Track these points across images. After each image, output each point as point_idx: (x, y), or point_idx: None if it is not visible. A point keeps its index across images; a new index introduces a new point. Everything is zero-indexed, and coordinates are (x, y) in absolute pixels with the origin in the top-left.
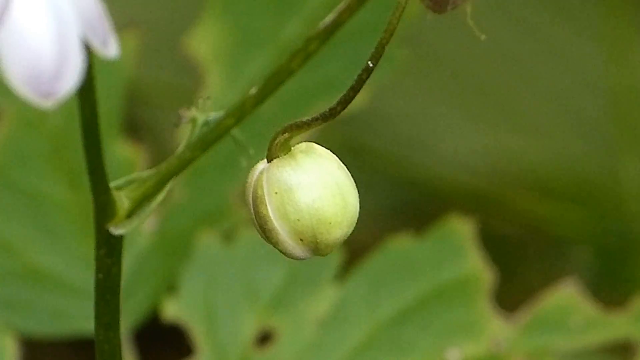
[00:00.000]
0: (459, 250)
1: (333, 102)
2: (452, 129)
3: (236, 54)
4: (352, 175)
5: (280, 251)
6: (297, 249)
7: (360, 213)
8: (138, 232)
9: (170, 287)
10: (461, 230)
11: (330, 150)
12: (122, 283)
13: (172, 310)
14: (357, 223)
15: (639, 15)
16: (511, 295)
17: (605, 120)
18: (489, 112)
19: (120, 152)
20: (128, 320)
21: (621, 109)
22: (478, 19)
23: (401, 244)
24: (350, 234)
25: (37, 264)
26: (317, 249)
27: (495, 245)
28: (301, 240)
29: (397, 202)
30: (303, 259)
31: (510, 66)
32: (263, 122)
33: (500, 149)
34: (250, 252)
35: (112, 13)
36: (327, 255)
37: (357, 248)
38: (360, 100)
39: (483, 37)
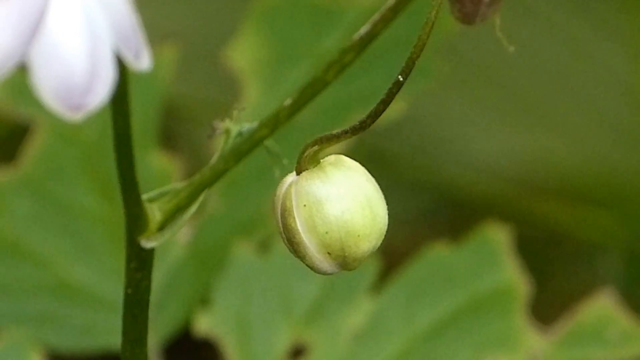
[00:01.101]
0: (496, 260)
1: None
2: (481, 132)
3: (274, 67)
4: (381, 182)
5: (308, 265)
6: (324, 263)
7: (391, 220)
8: (172, 243)
9: (204, 300)
10: (497, 239)
11: (360, 158)
12: (154, 296)
13: (205, 324)
14: (388, 230)
15: None
16: (543, 303)
17: (633, 122)
18: (518, 114)
19: (156, 163)
20: (159, 334)
21: None
22: (506, 23)
23: (437, 253)
24: (383, 241)
25: (69, 277)
26: (344, 262)
27: (525, 250)
28: (329, 253)
29: (428, 207)
30: (330, 274)
31: (538, 68)
32: (298, 133)
33: (530, 151)
34: (285, 263)
35: (150, 25)
36: (354, 269)
37: (390, 255)
38: (394, 112)
39: (512, 48)
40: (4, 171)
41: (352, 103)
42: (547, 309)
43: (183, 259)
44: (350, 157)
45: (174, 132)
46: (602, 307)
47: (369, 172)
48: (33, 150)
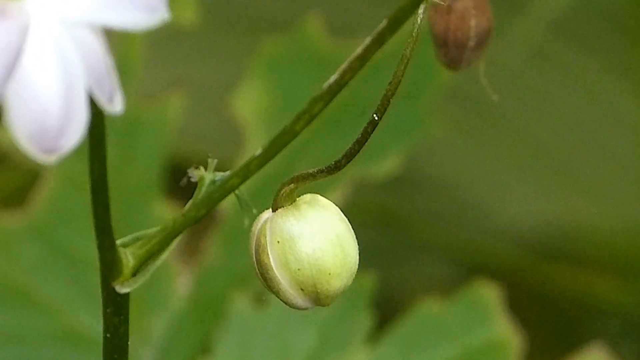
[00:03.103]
0: (487, 315)
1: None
2: (505, 193)
3: (277, 116)
4: (404, 244)
5: (282, 300)
6: (298, 299)
7: (410, 281)
8: (173, 293)
9: (205, 349)
10: (488, 295)
11: (383, 219)
12: (159, 346)
13: None
14: (406, 291)
15: None
16: None
17: None
18: (539, 170)
19: (158, 212)
20: None
21: None
22: (526, 73)
23: (431, 309)
24: (398, 301)
25: (75, 324)
26: (318, 299)
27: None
28: (302, 290)
29: (448, 271)
30: (305, 309)
31: (550, 113)
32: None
33: (546, 213)
34: (282, 313)
35: (158, 72)
36: (328, 305)
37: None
38: (394, 165)
39: (495, 97)
40: (14, 217)
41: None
42: None
43: (184, 309)
44: (374, 217)
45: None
46: (596, 358)
47: (395, 233)
48: (42, 197)
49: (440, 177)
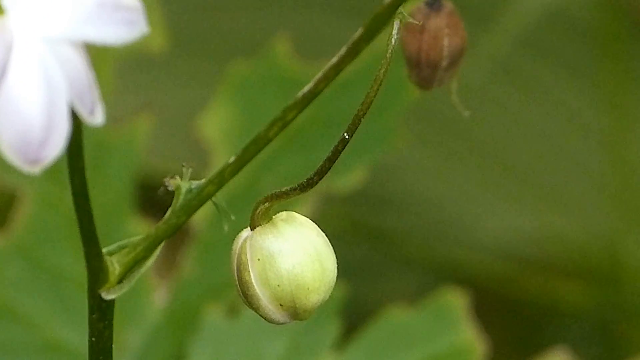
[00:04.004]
0: (452, 321)
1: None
2: (482, 208)
3: (244, 136)
4: (384, 259)
5: (261, 316)
6: (277, 314)
7: (390, 295)
8: (150, 305)
9: (180, 358)
10: (454, 302)
11: (363, 234)
12: (135, 356)
13: None
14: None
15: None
16: None
17: (613, 174)
18: (507, 187)
19: (133, 229)
20: None
21: (627, 176)
22: (492, 88)
23: (397, 316)
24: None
25: (56, 337)
26: (295, 313)
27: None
28: (281, 305)
29: (429, 285)
30: (282, 324)
31: (517, 127)
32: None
33: (517, 226)
34: (254, 323)
35: (127, 97)
36: (305, 319)
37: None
38: (359, 178)
39: (467, 113)
40: None
41: (314, 169)
42: None
43: (160, 321)
44: (344, 230)
45: (151, 199)
46: None
47: (369, 247)
48: (22, 218)
49: (408, 193)
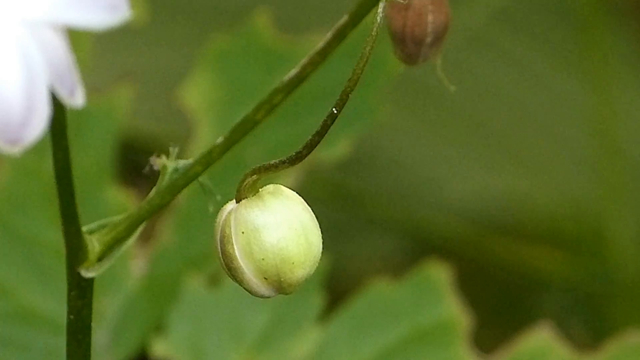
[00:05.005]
0: (437, 295)
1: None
2: (454, 172)
3: (225, 107)
4: (353, 221)
5: (245, 289)
6: (261, 288)
7: (362, 258)
8: (127, 274)
9: (158, 328)
10: (438, 275)
11: (332, 196)
12: (112, 326)
13: (161, 349)
14: (356, 266)
15: (620, 46)
16: (493, 337)
17: (592, 149)
18: (487, 151)
19: (113, 197)
20: (118, 358)
21: (606, 146)
22: (464, 57)
23: (380, 288)
24: (347, 276)
25: (30, 304)
26: (280, 287)
27: (483, 289)
28: (265, 279)
29: (399, 247)
30: (268, 297)
31: (498, 101)
32: (247, 169)
33: (494, 190)
34: (235, 294)
35: (108, 65)
36: (290, 293)
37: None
38: (344, 150)
39: (453, 88)
40: None
41: (301, 141)
42: (496, 346)
43: (138, 290)
44: (325, 194)
45: (138, 166)
46: (541, 338)
47: (347, 210)
48: None
49: (387, 158)
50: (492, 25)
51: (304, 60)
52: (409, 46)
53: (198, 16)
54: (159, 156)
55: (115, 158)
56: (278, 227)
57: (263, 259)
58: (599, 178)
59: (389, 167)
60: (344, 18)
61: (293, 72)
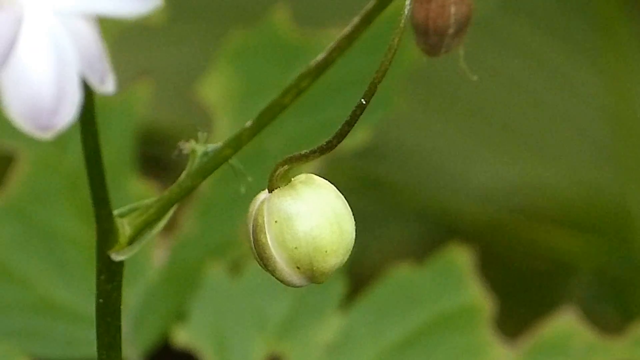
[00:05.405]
0: (459, 280)
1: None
2: (476, 162)
3: (242, 101)
4: (379, 209)
5: (277, 279)
6: (293, 277)
7: (388, 246)
8: (148, 263)
9: (180, 316)
10: (460, 260)
11: (360, 185)
12: (134, 311)
13: (183, 338)
14: (382, 254)
15: (636, 35)
16: (517, 322)
17: (611, 140)
18: (508, 142)
19: (134, 188)
20: (139, 348)
21: (624, 135)
22: (485, 51)
23: (403, 274)
24: (370, 263)
25: (50, 295)
26: (313, 276)
27: (505, 274)
28: (298, 268)
29: (425, 235)
30: (299, 286)
31: (518, 93)
32: (271, 158)
33: (522, 179)
34: (257, 282)
35: (128, 63)
36: (322, 282)
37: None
38: (363, 139)
39: (475, 78)
40: None
41: (321, 131)
42: (521, 328)
43: (160, 278)
44: (347, 182)
45: (158, 159)
46: (566, 321)
47: (368, 199)
48: (18, 177)
49: (407, 148)
50: (510, 17)
51: (331, 44)
52: (432, 38)
53: (215, 14)
54: (187, 141)
55: (135, 152)
56: (311, 215)
57: (296, 248)
58: (619, 164)
59: (409, 156)
60: (371, 2)
61: (320, 56)
